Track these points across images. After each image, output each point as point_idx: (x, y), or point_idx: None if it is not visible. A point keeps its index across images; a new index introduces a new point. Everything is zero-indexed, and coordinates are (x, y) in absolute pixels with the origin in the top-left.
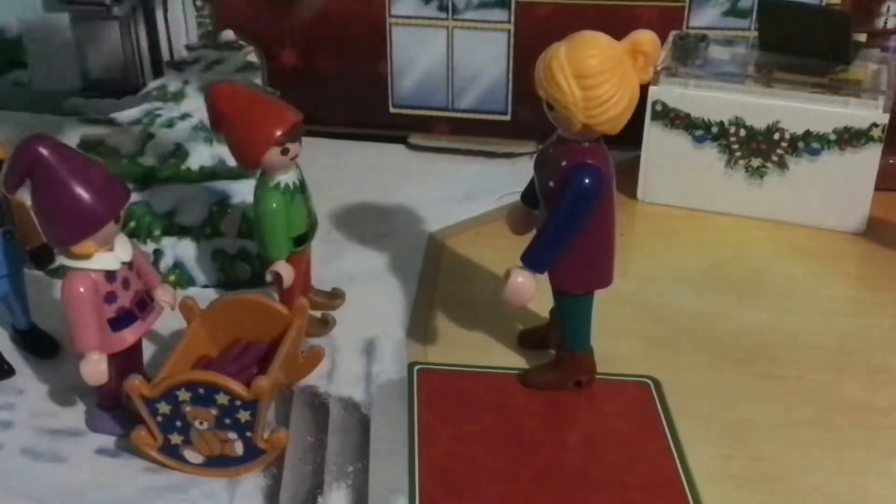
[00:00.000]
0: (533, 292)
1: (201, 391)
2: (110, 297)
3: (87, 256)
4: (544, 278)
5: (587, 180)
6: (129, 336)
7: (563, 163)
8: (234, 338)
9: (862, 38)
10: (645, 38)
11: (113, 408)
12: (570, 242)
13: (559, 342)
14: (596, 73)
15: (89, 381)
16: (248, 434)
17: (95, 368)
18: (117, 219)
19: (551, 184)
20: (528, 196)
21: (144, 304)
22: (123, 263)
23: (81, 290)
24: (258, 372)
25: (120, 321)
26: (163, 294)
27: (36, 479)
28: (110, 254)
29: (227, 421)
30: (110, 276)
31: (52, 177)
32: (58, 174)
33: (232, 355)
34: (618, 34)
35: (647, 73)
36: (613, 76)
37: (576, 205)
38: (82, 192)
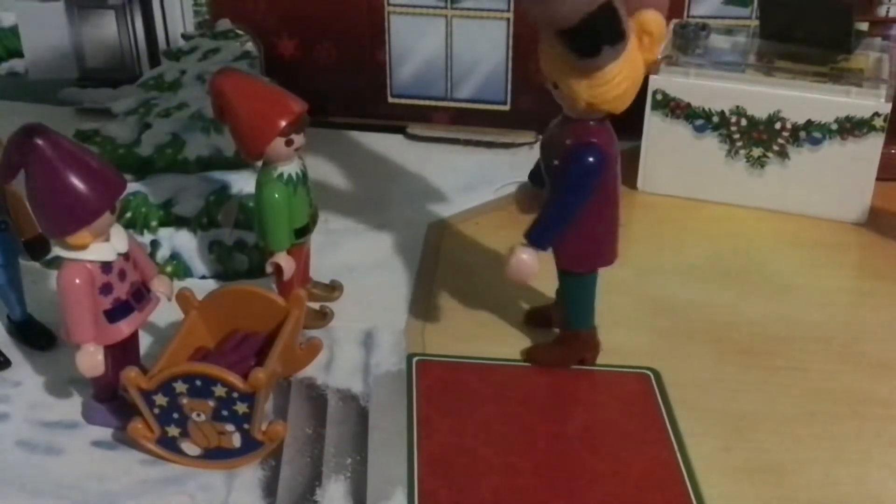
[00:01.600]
0: (536, 269)
1: (198, 383)
2: (106, 289)
3: (82, 247)
4: (549, 258)
5: (590, 158)
6: (125, 327)
7: (568, 141)
8: (231, 329)
9: (863, 26)
10: (650, 17)
11: (109, 399)
12: (573, 220)
13: (562, 321)
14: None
15: (85, 373)
16: (246, 426)
17: (91, 360)
18: (113, 209)
19: (556, 162)
20: (536, 176)
21: (141, 296)
22: (119, 254)
23: (77, 281)
24: (255, 363)
25: (116, 312)
26: (159, 285)
27: (32, 472)
28: (106, 244)
29: (225, 413)
30: (106, 266)
31: (47, 167)
32: (53, 164)
33: (229, 346)
34: None
35: (653, 53)
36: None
37: (578, 182)
38: (77, 182)
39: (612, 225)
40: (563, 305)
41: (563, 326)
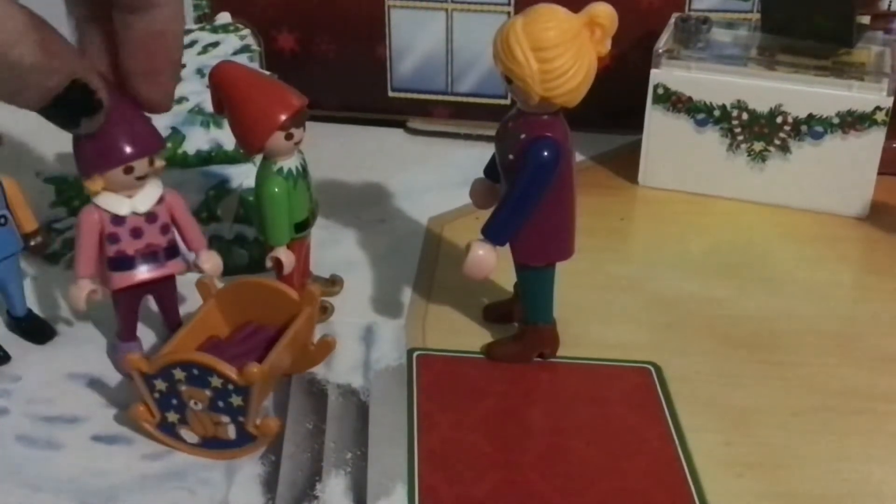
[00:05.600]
0: (493, 265)
1: (195, 372)
2: (112, 238)
3: (96, 192)
4: (507, 252)
5: (545, 153)
6: (124, 279)
7: (522, 136)
8: (246, 320)
9: (865, 20)
10: (602, 10)
11: (129, 339)
12: (530, 214)
13: (521, 315)
14: (552, 46)
15: (70, 303)
16: (241, 418)
17: (76, 293)
18: (128, 169)
19: (510, 157)
20: (491, 170)
21: (156, 258)
22: (136, 213)
23: (86, 219)
24: (262, 356)
25: (117, 263)
26: (205, 260)
27: (31, 467)
28: (125, 200)
29: (221, 404)
30: (118, 219)
31: None
32: None
33: (240, 337)
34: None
35: (604, 46)
36: (570, 49)
37: (534, 177)
38: (105, 131)
39: (568, 218)
40: (522, 300)
41: (522, 321)
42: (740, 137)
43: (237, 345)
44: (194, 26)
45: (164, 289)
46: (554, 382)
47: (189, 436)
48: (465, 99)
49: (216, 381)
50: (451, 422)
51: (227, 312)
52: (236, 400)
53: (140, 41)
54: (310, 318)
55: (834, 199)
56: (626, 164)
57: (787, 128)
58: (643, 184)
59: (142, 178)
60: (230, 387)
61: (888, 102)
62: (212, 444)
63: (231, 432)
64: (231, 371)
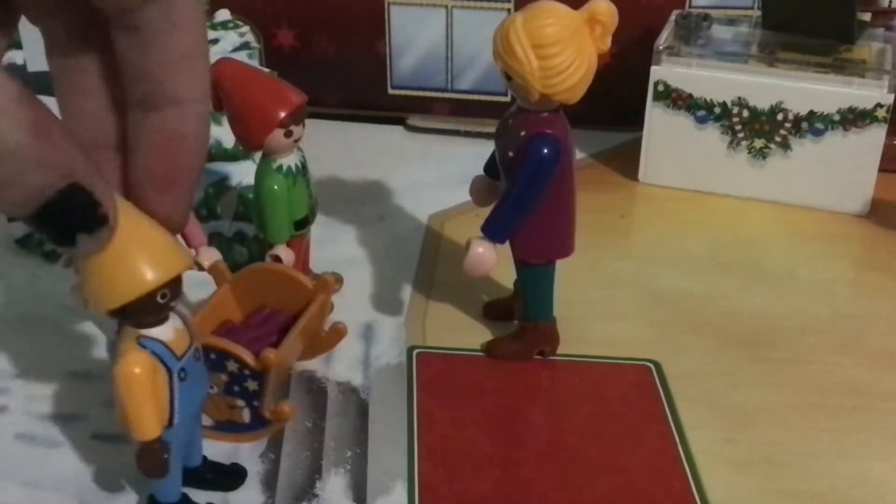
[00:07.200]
0: (493, 262)
1: (213, 356)
2: None
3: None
4: (507, 250)
5: (545, 150)
6: None
7: (522, 133)
8: (259, 305)
9: (866, 17)
10: (602, 7)
11: None
12: (530, 212)
13: (521, 313)
14: (552, 43)
15: (70, 301)
16: (255, 403)
17: (78, 292)
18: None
19: (510, 154)
20: (491, 168)
21: None
22: None
23: None
24: (277, 341)
25: None
26: (205, 257)
27: (31, 465)
28: None
29: (236, 388)
30: None
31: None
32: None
33: (254, 322)
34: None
35: (604, 42)
36: (570, 46)
37: (534, 174)
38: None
39: (568, 216)
40: (522, 297)
41: (522, 318)
42: (741, 134)
43: (252, 329)
44: None
45: None
46: (554, 380)
47: (203, 419)
48: (464, 96)
49: (233, 366)
50: (451, 419)
51: (240, 297)
52: (252, 385)
53: (156, 144)
54: (323, 305)
55: (834, 196)
56: (626, 161)
57: (787, 125)
58: (643, 181)
59: None
60: (246, 372)
61: (889, 99)
62: (226, 428)
63: (245, 416)
64: (248, 356)
